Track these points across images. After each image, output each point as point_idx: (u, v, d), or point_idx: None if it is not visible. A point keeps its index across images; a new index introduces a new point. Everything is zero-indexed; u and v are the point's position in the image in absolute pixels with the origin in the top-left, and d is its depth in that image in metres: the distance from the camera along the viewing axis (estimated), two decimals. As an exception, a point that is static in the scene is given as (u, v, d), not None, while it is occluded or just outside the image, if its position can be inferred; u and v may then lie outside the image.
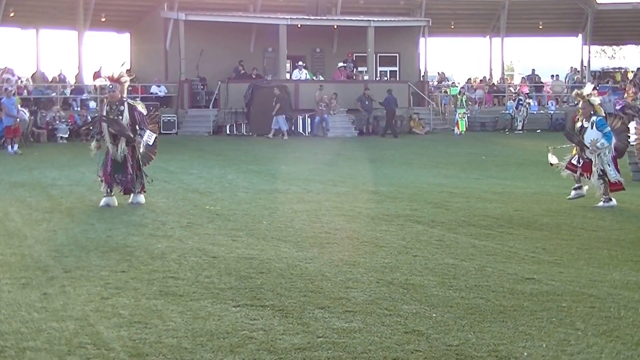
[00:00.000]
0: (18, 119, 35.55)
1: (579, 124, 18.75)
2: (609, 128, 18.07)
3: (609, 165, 18.00)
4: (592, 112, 18.17)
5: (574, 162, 18.30)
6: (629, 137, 19.22)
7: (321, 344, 7.93)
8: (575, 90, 19.61)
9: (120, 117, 17.27)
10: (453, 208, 17.66)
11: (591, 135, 18.07)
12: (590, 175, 18.08)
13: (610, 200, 17.95)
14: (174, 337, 8.10)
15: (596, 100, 18.50)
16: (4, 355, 7.57)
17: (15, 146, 33.24)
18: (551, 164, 19.10)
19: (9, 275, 10.89)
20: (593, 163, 18.07)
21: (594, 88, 19.41)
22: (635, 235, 14.57)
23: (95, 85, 44.26)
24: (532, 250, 13.05)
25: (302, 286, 10.28)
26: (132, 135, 17.33)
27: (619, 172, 18.20)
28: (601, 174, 17.94)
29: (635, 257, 12.53)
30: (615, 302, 9.59)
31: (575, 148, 18.43)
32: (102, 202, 17.31)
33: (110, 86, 17.56)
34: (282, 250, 12.73)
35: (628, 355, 7.66)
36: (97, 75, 46.86)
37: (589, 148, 18.01)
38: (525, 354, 7.68)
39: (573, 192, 18.48)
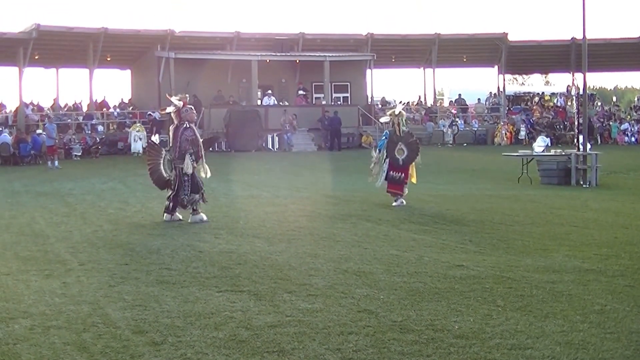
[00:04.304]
0: (57, 140, 35.79)
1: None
2: (383, 138, 18.47)
3: (384, 172, 18.21)
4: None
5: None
6: (419, 149, 18.66)
7: (289, 321, 7.91)
8: (391, 111, 19.26)
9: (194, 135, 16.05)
10: (396, 208, 17.67)
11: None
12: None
13: (403, 202, 17.93)
14: (168, 317, 8.06)
15: (403, 116, 18.79)
16: (33, 332, 7.56)
17: (56, 162, 33.45)
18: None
19: (36, 267, 10.83)
20: (374, 170, 18.49)
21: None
22: (544, 229, 14.64)
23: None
24: (461, 242, 13.07)
25: (273, 274, 10.24)
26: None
27: (398, 177, 18.14)
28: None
29: (544, 246, 12.58)
30: (528, 283, 9.63)
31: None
32: (199, 217, 15.37)
33: (191, 108, 16.24)
34: (256, 245, 12.68)
35: (539, 326, 7.69)
36: (103, 103, 46.87)
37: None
38: (457, 326, 7.68)
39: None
